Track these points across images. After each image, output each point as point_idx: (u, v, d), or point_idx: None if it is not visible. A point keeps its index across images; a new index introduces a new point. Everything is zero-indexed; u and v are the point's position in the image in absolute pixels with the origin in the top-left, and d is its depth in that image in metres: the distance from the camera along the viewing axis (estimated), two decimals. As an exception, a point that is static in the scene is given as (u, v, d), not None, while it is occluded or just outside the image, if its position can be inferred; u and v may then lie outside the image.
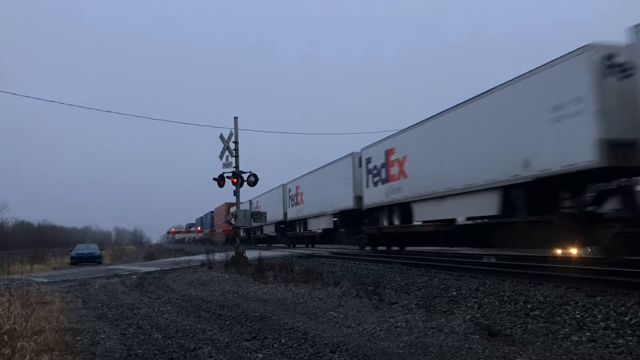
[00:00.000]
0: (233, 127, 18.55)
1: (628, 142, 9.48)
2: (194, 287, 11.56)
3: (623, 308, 6.14)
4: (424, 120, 16.70)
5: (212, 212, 64.40)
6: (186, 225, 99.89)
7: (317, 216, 28.26)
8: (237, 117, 18.66)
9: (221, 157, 18.66)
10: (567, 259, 11.80)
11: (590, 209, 11.26)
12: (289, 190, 34.02)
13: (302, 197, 31.09)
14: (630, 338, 5.13)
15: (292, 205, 33.03)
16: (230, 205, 53.20)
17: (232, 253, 17.90)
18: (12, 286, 8.16)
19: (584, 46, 10.36)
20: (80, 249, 32.50)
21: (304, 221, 31.02)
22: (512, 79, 12.44)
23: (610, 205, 11.00)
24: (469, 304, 7.49)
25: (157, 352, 5.45)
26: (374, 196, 20.53)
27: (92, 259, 30.01)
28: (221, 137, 18.76)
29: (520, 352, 4.86)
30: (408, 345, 5.35)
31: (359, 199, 22.07)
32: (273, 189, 37.12)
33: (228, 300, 9.12)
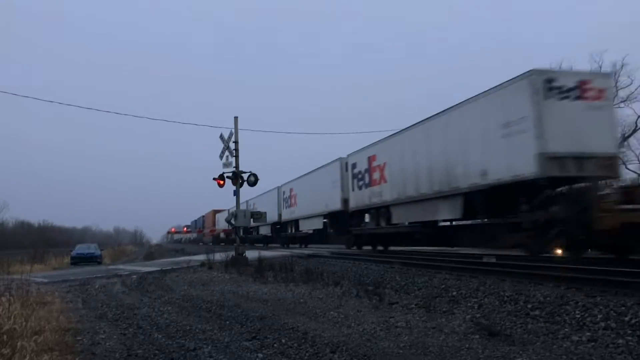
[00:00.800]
0: (233, 127, 18.56)
1: None
2: (194, 287, 11.56)
3: (623, 308, 6.14)
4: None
5: (203, 216, 70.87)
6: (184, 226, 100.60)
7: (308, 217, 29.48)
8: (237, 117, 18.66)
9: (221, 157, 18.67)
10: (567, 259, 11.80)
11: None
12: (283, 193, 34.57)
13: (295, 199, 31.80)
14: (630, 338, 5.13)
15: (286, 207, 33.91)
16: (216, 212, 56.79)
17: (232, 253, 17.89)
18: (12, 286, 8.16)
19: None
20: (81, 249, 32.52)
21: (296, 222, 32.08)
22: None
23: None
24: (469, 304, 7.49)
25: (157, 352, 5.46)
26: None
27: (92, 259, 30.03)
28: (221, 137, 18.75)
29: (521, 352, 4.87)
30: (408, 345, 5.36)
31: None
32: (268, 191, 37.75)
33: (228, 300, 9.12)
